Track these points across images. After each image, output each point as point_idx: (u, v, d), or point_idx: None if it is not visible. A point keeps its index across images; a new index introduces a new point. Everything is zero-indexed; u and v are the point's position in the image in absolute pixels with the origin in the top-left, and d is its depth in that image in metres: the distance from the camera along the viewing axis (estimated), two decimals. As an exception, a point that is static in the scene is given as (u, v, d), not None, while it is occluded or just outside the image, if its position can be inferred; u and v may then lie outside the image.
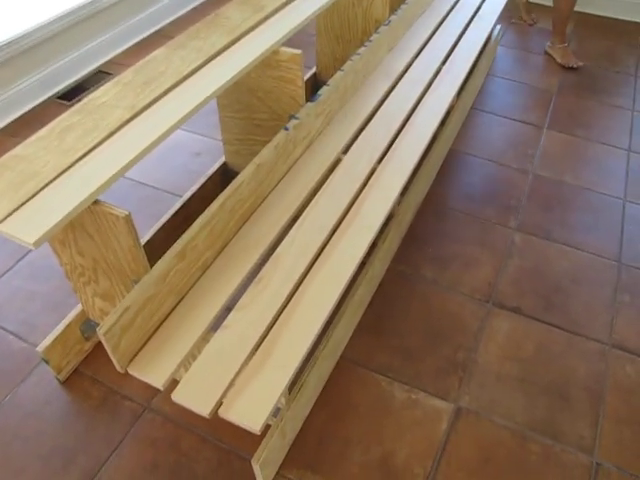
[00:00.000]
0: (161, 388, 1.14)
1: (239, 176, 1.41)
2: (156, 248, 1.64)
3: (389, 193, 1.59)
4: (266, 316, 1.27)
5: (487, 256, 1.93)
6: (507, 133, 2.47)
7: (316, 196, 1.57)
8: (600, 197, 2.16)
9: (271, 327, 1.27)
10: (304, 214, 1.52)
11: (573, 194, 2.18)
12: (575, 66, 2.87)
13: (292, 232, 1.47)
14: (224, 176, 1.97)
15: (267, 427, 1.32)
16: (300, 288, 1.34)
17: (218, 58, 1.47)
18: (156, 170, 2.24)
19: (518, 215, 2.08)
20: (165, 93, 1.34)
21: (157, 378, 1.15)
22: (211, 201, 1.34)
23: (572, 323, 1.73)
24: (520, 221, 2.06)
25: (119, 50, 2.96)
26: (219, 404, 1.13)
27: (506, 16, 3.34)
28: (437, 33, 2.31)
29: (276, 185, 1.57)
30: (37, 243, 0.99)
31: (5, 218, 1.02)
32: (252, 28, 1.60)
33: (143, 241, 1.63)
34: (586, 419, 1.50)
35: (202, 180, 1.89)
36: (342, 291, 1.34)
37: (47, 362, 1.48)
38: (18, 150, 1.16)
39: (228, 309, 1.29)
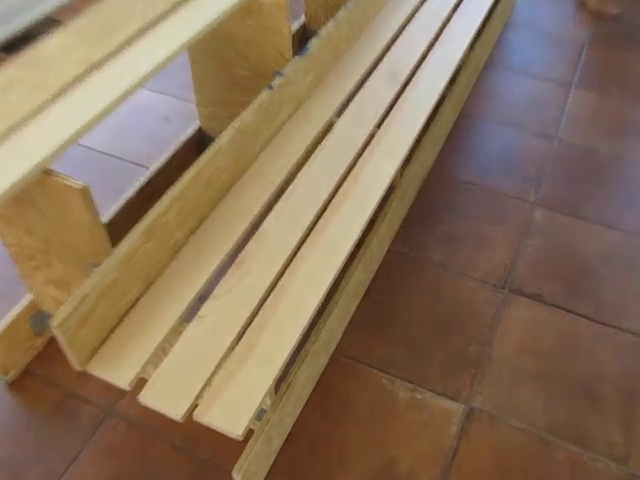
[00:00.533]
0: (126, 389, 1.14)
1: (216, 142, 1.40)
2: (119, 227, 1.63)
3: (390, 162, 1.59)
4: (248, 304, 1.27)
5: (503, 235, 1.93)
6: (528, 93, 2.47)
7: (305, 165, 1.56)
8: (636, 167, 2.16)
9: (254, 317, 1.27)
10: (291, 186, 1.51)
11: (604, 164, 2.18)
12: (612, 14, 2.85)
13: (278, 207, 1.46)
14: (199, 143, 1.96)
15: (250, 432, 1.32)
16: (287, 272, 1.34)
17: (189, 2, 1.45)
18: (119, 137, 2.23)
19: (540, 188, 2.08)
20: (126, 44, 1.32)
21: (122, 377, 1.15)
22: (184, 172, 1.33)
23: (601, 312, 1.74)
24: (542, 195, 2.06)
25: (73, -4, 2.92)
26: (194, 406, 1.13)
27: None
28: (446, -25, 2.29)
29: (259, 153, 1.56)
30: (-22, 219, 0.98)
31: (-61, 190, 1.01)
32: (229, -32, 1.58)
33: (104, 219, 1.62)
34: (618, 422, 1.52)
35: (173, 148, 1.87)
36: (336, 275, 1.34)
37: (-8, 360, 1.48)
38: (-46, 111, 1.15)
39: (204, 296, 1.29)
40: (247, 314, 1.26)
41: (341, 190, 1.52)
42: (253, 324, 1.26)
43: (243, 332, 1.24)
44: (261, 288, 1.30)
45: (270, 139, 1.60)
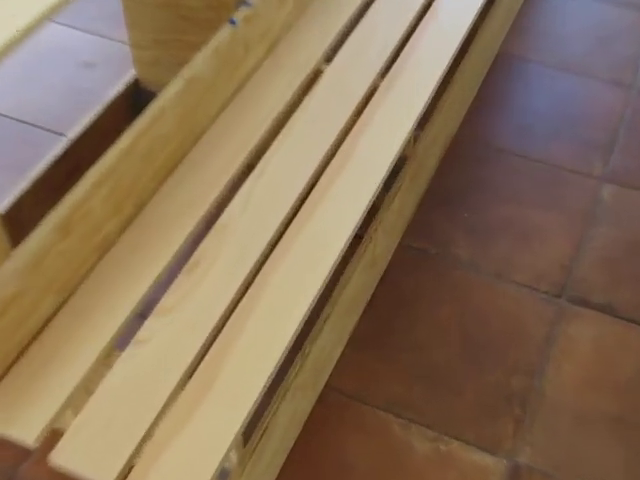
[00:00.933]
0: (32, 446, 1.14)
1: (158, 99, 1.40)
2: (24, 218, 1.63)
3: (399, 124, 1.59)
4: (205, 322, 1.27)
5: (559, 223, 1.93)
6: (593, 23, 2.47)
7: (282, 132, 1.56)
8: None
9: (213, 340, 1.27)
10: (264, 160, 1.51)
11: (696, 122, 2.19)
12: None
13: (244, 190, 1.47)
14: (135, 100, 1.96)
15: (209, 501, 1.33)
16: (258, 278, 1.34)
17: None
18: (21, 92, 2.22)
19: (610, 158, 2.09)
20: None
21: (26, 430, 1.14)
22: (114, 141, 1.33)
23: (694, 328, 1.75)
24: (613, 167, 2.07)
25: None
26: (128, 468, 1.13)
27: None
28: None
29: (219, 114, 1.57)
30: None
31: None
32: None
33: (1, 207, 1.62)
34: None
35: (98, 108, 1.87)
36: (324, 281, 1.34)
37: None
38: None
39: (144, 313, 1.29)
40: (204, 336, 1.26)
41: (332, 164, 1.52)
42: (212, 350, 1.26)
43: (198, 362, 1.24)
44: (223, 300, 1.30)
45: (233, 95, 1.60)
